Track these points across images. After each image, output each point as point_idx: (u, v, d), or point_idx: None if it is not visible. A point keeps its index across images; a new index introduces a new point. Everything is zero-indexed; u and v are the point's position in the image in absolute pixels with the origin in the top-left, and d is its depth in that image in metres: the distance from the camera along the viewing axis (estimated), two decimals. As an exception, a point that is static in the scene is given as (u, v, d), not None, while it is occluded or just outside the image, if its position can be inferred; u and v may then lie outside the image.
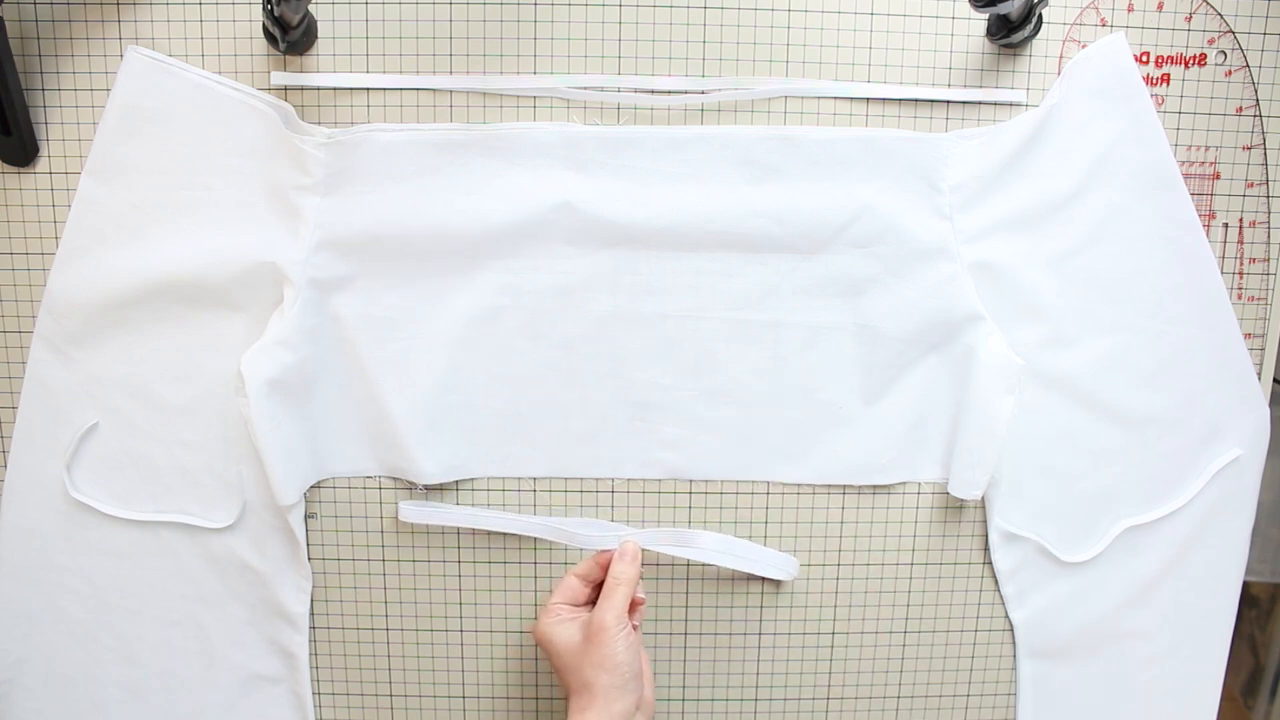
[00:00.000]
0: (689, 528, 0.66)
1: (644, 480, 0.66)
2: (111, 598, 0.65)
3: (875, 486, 0.66)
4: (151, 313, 0.62)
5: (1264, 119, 0.64)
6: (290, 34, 0.59)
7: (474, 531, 0.66)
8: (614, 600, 0.59)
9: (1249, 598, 0.88)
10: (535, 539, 0.66)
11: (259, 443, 0.60)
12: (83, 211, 0.62)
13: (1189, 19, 0.63)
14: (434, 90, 0.62)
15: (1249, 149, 0.65)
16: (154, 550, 0.65)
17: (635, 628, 0.61)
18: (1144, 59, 0.64)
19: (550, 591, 0.63)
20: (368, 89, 0.62)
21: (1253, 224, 0.66)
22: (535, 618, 0.64)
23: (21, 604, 0.65)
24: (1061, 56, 0.63)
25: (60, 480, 0.64)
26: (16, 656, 0.65)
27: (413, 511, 0.64)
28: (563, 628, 0.59)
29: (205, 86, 0.61)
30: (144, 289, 0.62)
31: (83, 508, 0.64)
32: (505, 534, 0.66)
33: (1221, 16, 0.63)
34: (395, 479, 0.65)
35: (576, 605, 0.61)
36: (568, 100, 0.62)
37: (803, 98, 0.63)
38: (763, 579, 0.67)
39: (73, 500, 0.64)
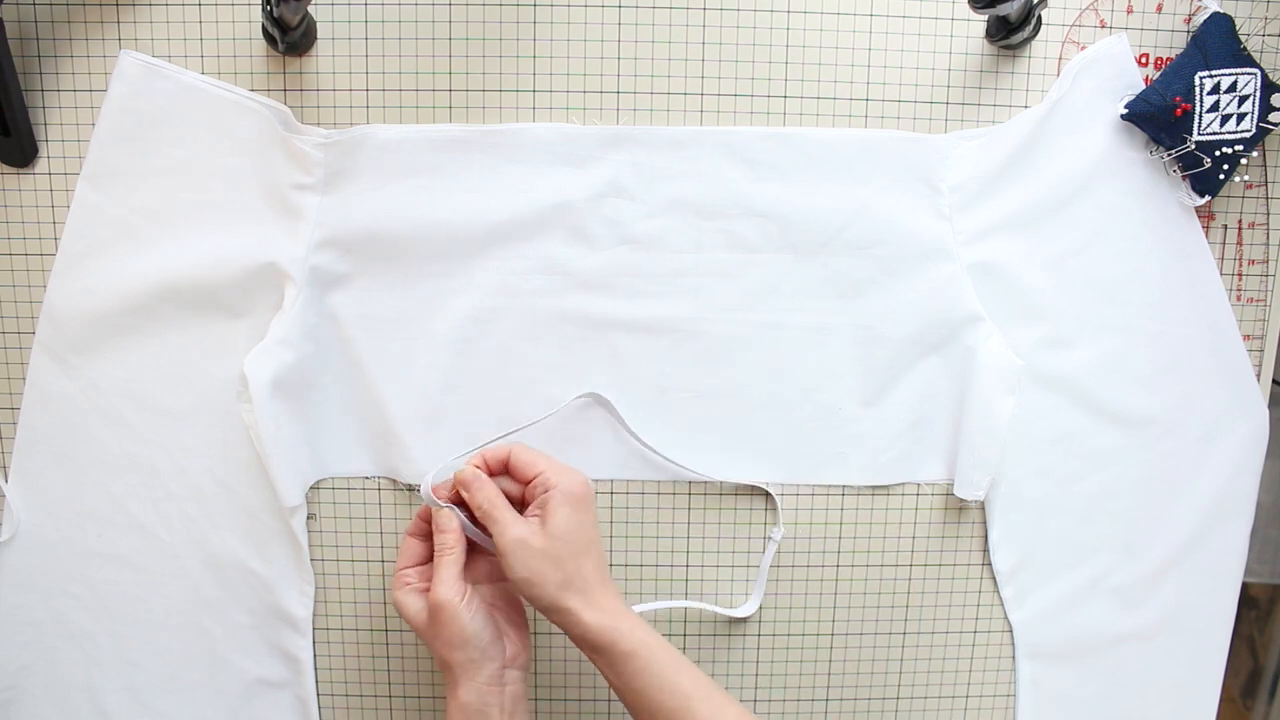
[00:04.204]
0: (688, 529, 0.66)
1: (643, 481, 0.66)
2: (114, 604, 0.65)
3: (875, 487, 0.66)
4: (151, 319, 0.62)
5: (1263, 120, 0.64)
6: (290, 35, 0.59)
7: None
8: (444, 574, 0.55)
9: (1248, 598, 0.88)
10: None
11: (263, 445, 0.60)
12: (80, 218, 0.62)
13: (1188, 20, 0.63)
14: (433, 90, 0.62)
15: (1248, 150, 0.65)
16: (156, 556, 0.65)
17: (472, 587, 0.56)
18: (1143, 61, 0.64)
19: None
20: (367, 90, 0.62)
21: (1251, 225, 0.66)
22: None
23: (25, 611, 0.65)
24: (1061, 58, 0.64)
25: (62, 487, 0.64)
26: (20, 663, 0.65)
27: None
28: (411, 600, 0.56)
29: (199, 88, 0.61)
30: (144, 295, 0.62)
31: (85, 514, 0.64)
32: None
33: (1221, 18, 0.63)
34: (394, 480, 0.65)
35: (423, 565, 0.58)
36: (567, 101, 0.62)
37: (802, 98, 0.63)
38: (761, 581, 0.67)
39: (74, 507, 0.64)
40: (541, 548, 0.53)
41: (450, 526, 0.56)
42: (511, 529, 0.54)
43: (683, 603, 0.66)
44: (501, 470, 0.58)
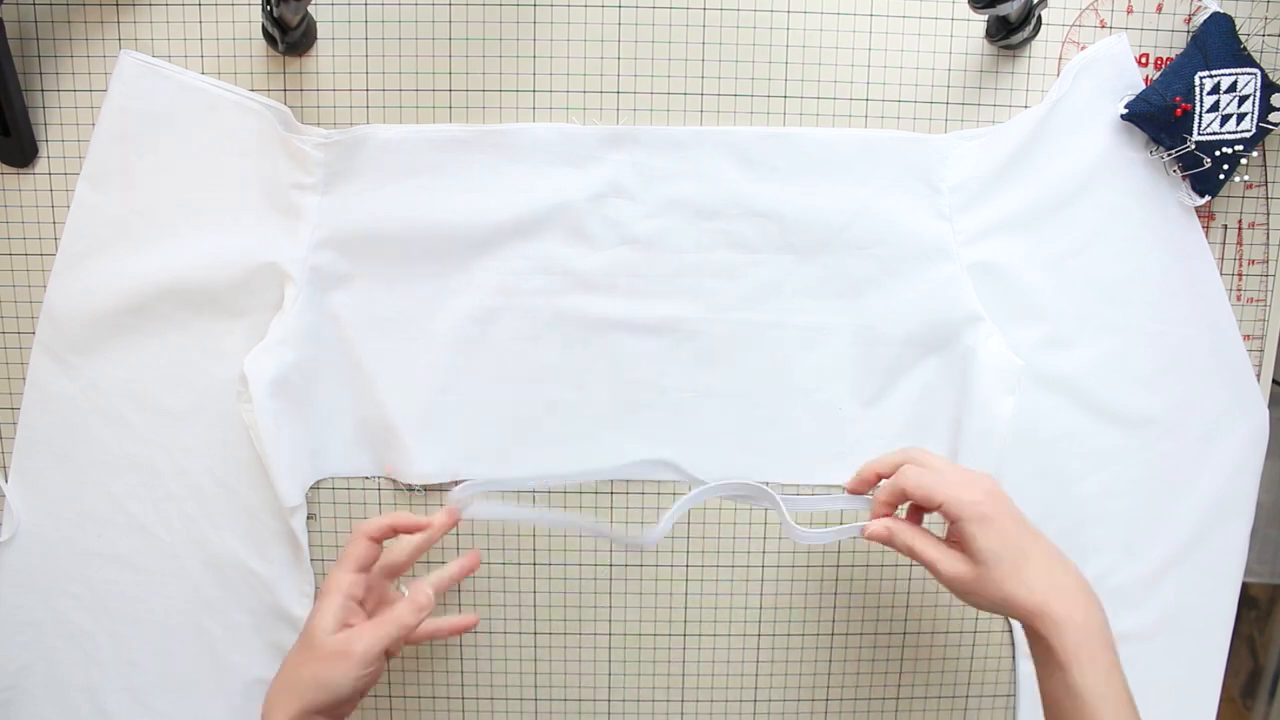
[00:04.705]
0: (688, 529, 0.66)
1: (643, 481, 0.66)
2: (114, 604, 0.65)
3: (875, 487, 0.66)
4: (152, 319, 0.62)
5: (1263, 120, 0.64)
6: (290, 35, 0.59)
7: (474, 533, 0.66)
8: (379, 636, 0.52)
9: (1248, 599, 0.88)
10: (534, 542, 0.66)
11: (262, 445, 0.60)
12: (81, 218, 0.62)
13: (1188, 20, 0.63)
14: (433, 90, 0.62)
15: (1248, 150, 0.65)
16: (156, 556, 0.65)
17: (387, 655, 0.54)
18: (1143, 61, 0.64)
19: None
20: (367, 90, 0.62)
21: (1251, 225, 0.66)
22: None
23: (25, 611, 0.65)
24: (1061, 58, 0.63)
25: (62, 487, 0.64)
26: (20, 664, 0.65)
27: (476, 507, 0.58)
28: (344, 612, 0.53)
29: (199, 88, 0.61)
30: (144, 295, 0.62)
31: (85, 514, 0.64)
32: (505, 534, 0.66)
33: (1221, 18, 0.63)
34: (394, 480, 0.65)
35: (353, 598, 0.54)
36: (567, 101, 0.62)
37: (802, 98, 0.63)
38: (761, 579, 0.67)
39: (74, 507, 0.64)
40: (974, 581, 0.52)
41: (422, 614, 0.54)
42: (943, 569, 0.53)
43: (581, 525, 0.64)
44: (872, 483, 0.56)
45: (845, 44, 0.62)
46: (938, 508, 0.53)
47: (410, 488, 0.65)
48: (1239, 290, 0.66)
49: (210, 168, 0.61)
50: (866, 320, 0.64)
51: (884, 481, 0.56)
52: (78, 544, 0.64)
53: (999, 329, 0.64)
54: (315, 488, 0.65)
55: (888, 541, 0.55)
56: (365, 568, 0.55)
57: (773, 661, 0.68)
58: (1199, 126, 0.62)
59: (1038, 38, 0.63)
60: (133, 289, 0.62)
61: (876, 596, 0.68)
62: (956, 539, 0.53)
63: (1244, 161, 0.62)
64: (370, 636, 0.52)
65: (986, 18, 0.62)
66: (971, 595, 0.53)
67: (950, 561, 0.53)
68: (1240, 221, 0.66)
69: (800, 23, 0.62)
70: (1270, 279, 0.66)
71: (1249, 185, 0.65)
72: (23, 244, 0.63)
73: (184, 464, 0.64)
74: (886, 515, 0.56)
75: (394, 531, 0.56)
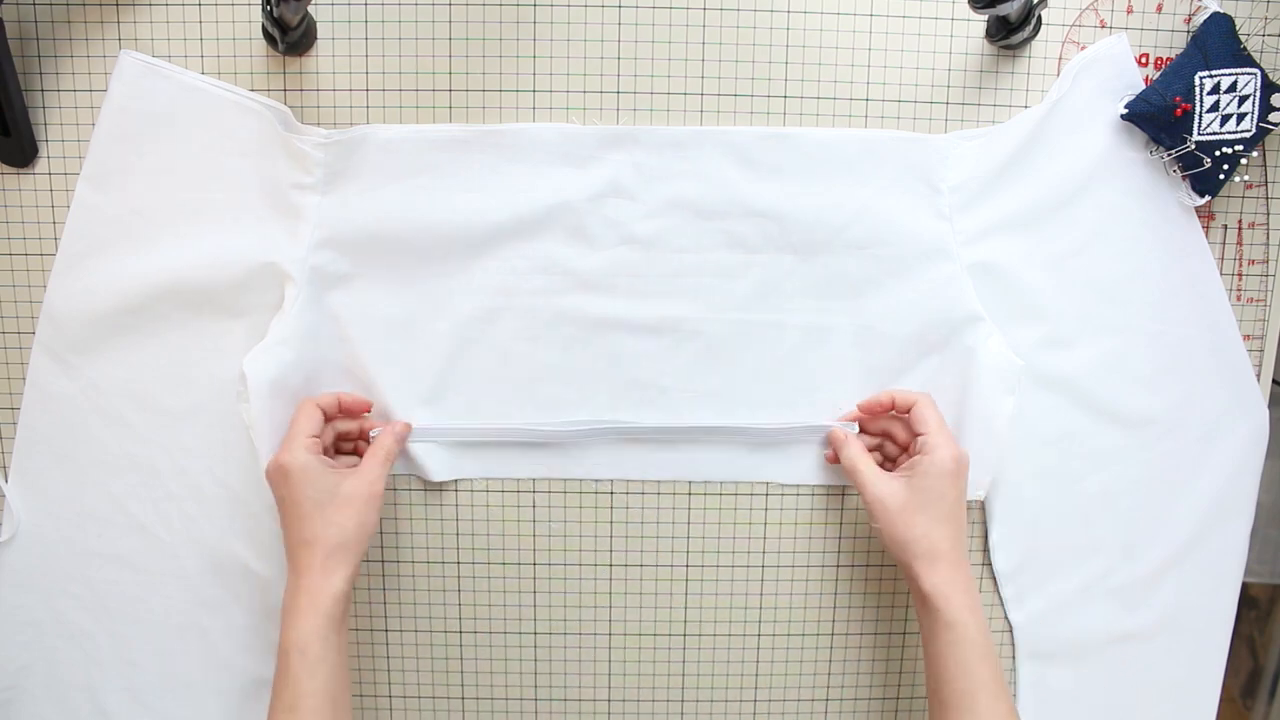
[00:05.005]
0: (688, 529, 0.66)
1: (643, 481, 0.66)
2: (114, 604, 0.65)
3: (875, 487, 0.66)
4: (152, 319, 0.62)
5: (1263, 120, 0.64)
6: (290, 35, 0.59)
7: (474, 532, 0.66)
8: (382, 470, 0.58)
9: (1248, 599, 0.88)
10: (535, 542, 0.66)
11: (261, 445, 0.60)
12: (81, 218, 0.62)
13: (1188, 20, 0.63)
14: (433, 90, 0.62)
15: (1248, 150, 0.65)
16: (156, 556, 0.65)
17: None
18: (1143, 61, 0.64)
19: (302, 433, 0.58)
20: (367, 90, 0.62)
21: (1251, 225, 0.66)
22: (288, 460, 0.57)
23: (24, 611, 0.65)
24: (1061, 58, 0.64)
25: (62, 487, 0.64)
26: (20, 663, 0.65)
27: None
28: (313, 460, 0.56)
29: (199, 88, 0.61)
30: (144, 295, 0.62)
31: (85, 514, 0.64)
32: (504, 535, 0.66)
33: (1221, 18, 0.63)
34: (392, 478, 0.65)
35: (316, 437, 0.58)
36: (567, 101, 0.62)
37: (802, 98, 0.63)
38: (761, 579, 0.67)
39: (74, 507, 0.64)
40: (898, 509, 0.57)
41: (401, 442, 0.61)
42: (873, 488, 0.59)
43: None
44: (887, 409, 0.63)
45: (845, 44, 0.62)
46: (920, 435, 0.59)
47: (409, 489, 0.65)
48: (1239, 290, 0.67)
49: (210, 168, 0.61)
50: (867, 320, 0.64)
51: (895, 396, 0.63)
52: (78, 544, 0.64)
53: (999, 329, 0.64)
54: (315, 488, 0.65)
55: (841, 445, 0.62)
56: (316, 434, 0.58)
57: (773, 661, 0.68)
58: (1199, 126, 0.62)
59: (1038, 38, 0.63)
60: (133, 289, 0.62)
61: (876, 596, 0.68)
62: (902, 469, 0.60)
63: (1244, 161, 0.62)
64: (382, 472, 0.58)
65: (986, 18, 0.62)
66: (886, 517, 0.58)
67: (884, 484, 0.59)
68: (1240, 221, 0.66)
69: (800, 23, 0.62)
70: (1270, 279, 0.66)
71: (1249, 185, 0.65)
72: (23, 244, 0.63)
73: (184, 464, 0.64)
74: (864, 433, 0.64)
75: (338, 408, 0.61)
